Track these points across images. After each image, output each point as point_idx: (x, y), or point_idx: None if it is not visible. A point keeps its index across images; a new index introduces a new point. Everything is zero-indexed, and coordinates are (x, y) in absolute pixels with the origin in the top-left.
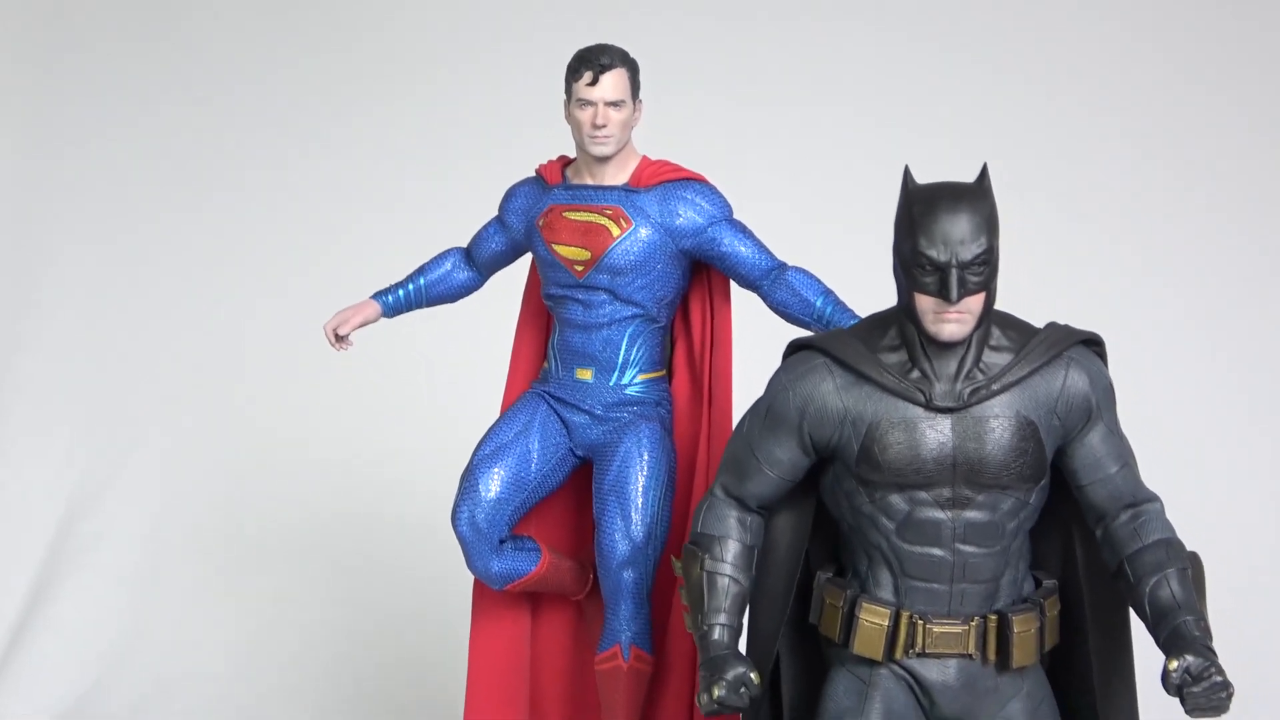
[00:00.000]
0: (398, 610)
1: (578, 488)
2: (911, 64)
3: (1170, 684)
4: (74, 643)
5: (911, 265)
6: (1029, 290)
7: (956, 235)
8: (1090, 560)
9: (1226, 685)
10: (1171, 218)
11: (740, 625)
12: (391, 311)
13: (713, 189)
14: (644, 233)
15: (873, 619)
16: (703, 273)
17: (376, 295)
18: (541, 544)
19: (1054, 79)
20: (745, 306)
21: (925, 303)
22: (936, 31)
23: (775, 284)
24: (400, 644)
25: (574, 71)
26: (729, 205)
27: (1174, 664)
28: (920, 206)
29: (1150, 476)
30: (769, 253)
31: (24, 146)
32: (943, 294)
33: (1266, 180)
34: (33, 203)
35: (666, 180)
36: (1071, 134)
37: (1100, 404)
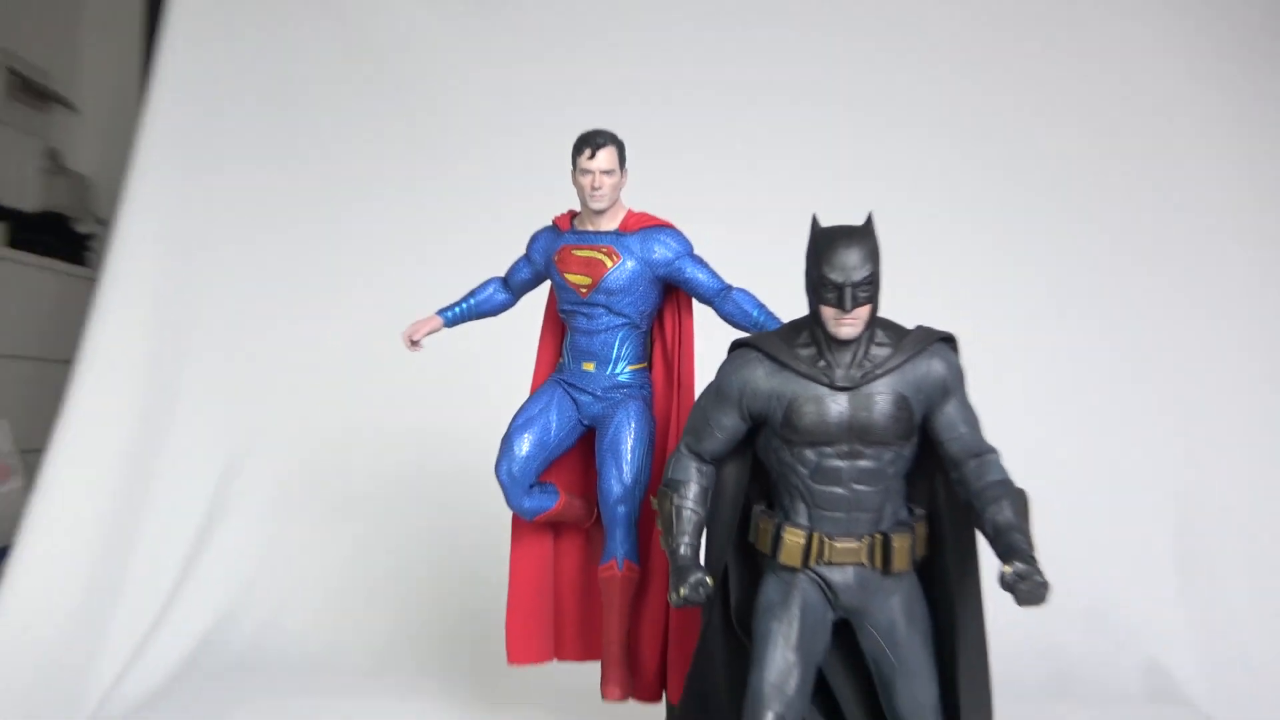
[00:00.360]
0: (458, 539)
1: (584, 449)
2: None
3: (1004, 582)
4: (223, 572)
5: (818, 285)
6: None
7: (850, 264)
8: (948, 496)
9: (1045, 584)
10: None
11: (699, 544)
12: (450, 323)
13: (679, 233)
14: (630, 264)
15: (793, 538)
16: (673, 292)
17: (440, 311)
18: (560, 488)
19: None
20: (703, 317)
21: (828, 312)
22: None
23: (724, 300)
24: (460, 563)
25: (577, 149)
26: (690, 244)
27: (1007, 568)
28: (824, 243)
29: (1005, 440)
30: (719, 278)
31: (188, 203)
32: (840, 306)
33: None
34: (194, 242)
35: (646, 226)
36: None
37: (952, 384)
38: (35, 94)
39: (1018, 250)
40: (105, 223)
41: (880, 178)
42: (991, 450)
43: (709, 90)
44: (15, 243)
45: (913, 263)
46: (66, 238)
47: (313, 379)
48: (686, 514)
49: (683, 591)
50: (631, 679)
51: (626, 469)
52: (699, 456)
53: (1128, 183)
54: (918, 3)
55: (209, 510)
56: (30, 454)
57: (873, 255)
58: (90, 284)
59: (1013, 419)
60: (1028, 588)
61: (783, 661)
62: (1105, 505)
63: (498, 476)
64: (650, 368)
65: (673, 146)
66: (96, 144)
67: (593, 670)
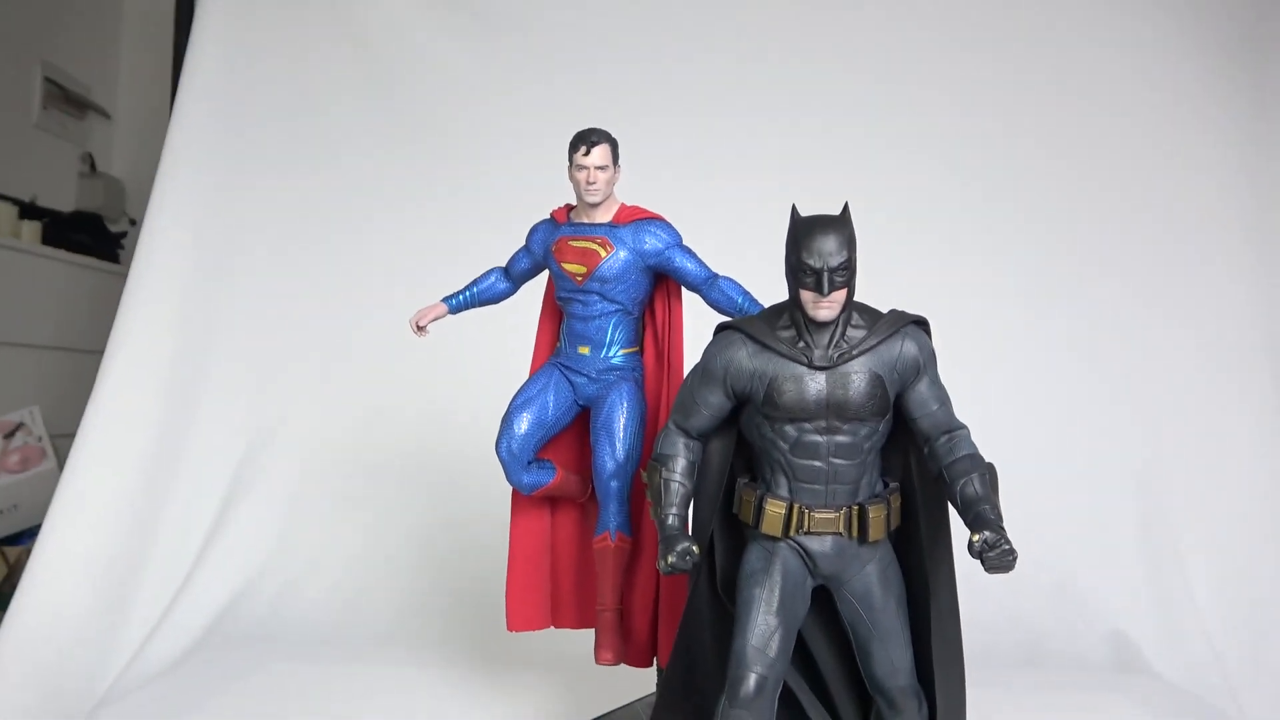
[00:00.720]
0: (465, 519)
1: (580, 428)
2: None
3: (973, 551)
4: (242, 548)
5: (797, 271)
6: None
7: (827, 250)
8: (921, 470)
9: (1013, 552)
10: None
11: (687, 515)
12: (455, 309)
13: (668, 225)
14: (622, 254)
15: (774, 509)
16: (663, 281)
17: (445, 299)
18: (557, 464)
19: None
20: (692, 304)
21: (807, 296)
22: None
23: (711, 288)
24: (467, 540)
25: (573, 146)
26: (679, 235)
27: (976, 537)
28: (803, 230)
29: (976, 421)
30: (707, 267)
31: (212, 203)
32: (818, 289)
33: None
34: (217, 239)
35: (638, 219)
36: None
37: (925, 364)
38: (72, 103)
39: (989, 239)
40: (137, 223)
41: (861, 170)
42: (962, 426)
43: (702, 98)
44: (51, 240)
45: (889, 250)
46: (100, 236)
47: (330, 369)
48: (674, 486)
49: (670, 559)
50: (624, 645)
51: (619, 446)
52: (686, 433)
53: (1095, 174)
54: (897, 3)
55: (230, 490)
56: (62, 439)
57: (849, 242)
58: (122, 279)
59: (984, 402)
60: (995, 556)
61: (764, 625)
62: (1072, 485)
63: (498, 453)
64: (642, 352)
65: (667, 149)
66: (129, 149)
67: (588, 637)
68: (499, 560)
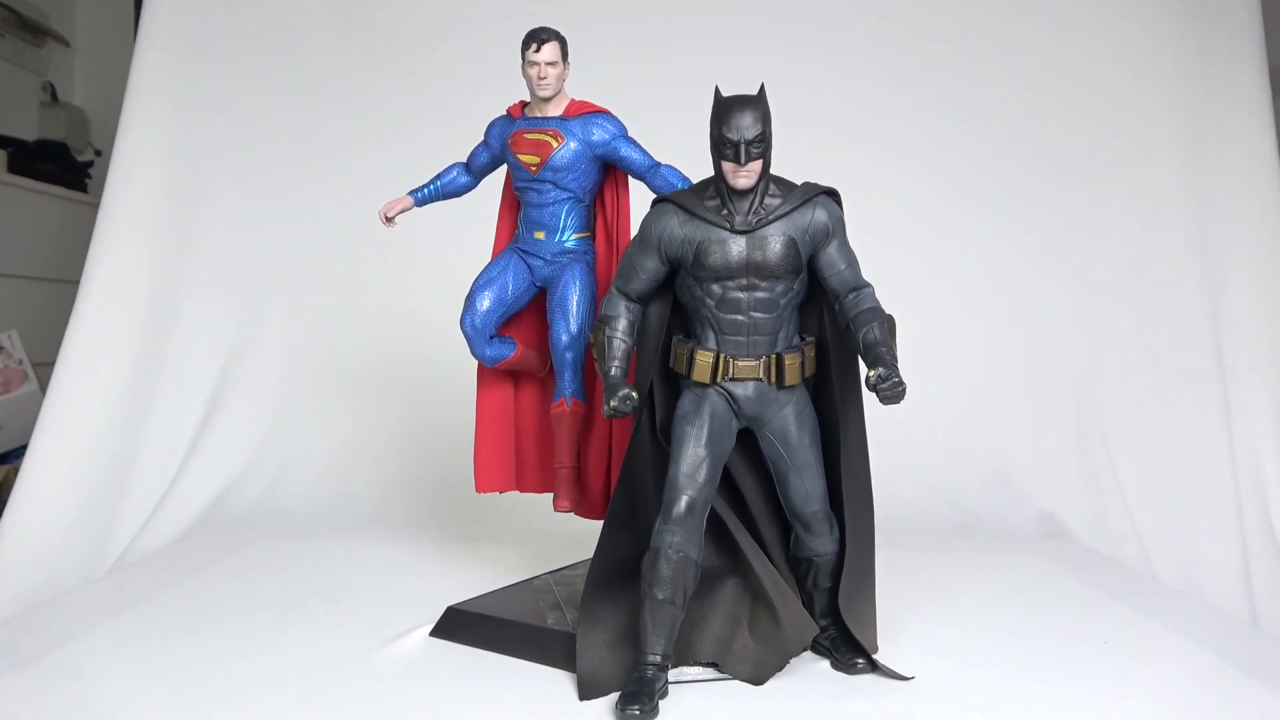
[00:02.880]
0: (437, 409)
1: (538, 311)
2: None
3: (869, 384)
4: (230, 446)
5: (719, 144)
6: None
7: (744, 124)
8: (833, 323)
9: (902, 384)
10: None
11: (627, 368)
12: (420, 202)
13: (614, 117)
14: (572, 145)
15: (703, 359)
16: (612, 172)
17: (411, 192)
18: (517, 339)
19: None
20: (638, 192)
21: (727, 166)
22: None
23: (654, 175)
24: (442, 433)
25: (525, 44)
26: (624, 127)
27: (872, 372)
28: (722, 107)
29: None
30: (650, 156)
31: (182, 125)
32: (736, 160)
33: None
34: (187, 160)
35: (586, 112)
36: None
37: (834, 229)
38: (29, 29)
39: (943, 155)
40: (102, 153)
41: (824, 81)
42: (867, 285)
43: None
44: (17, 170)
45: (848, 158)
46: (67, 166)
47: (307, 277)
48: (616, 343)
49: (612, 403)
50: (580, 496)
51: (573, 320)
52: (627, 296)
53: (1041, 91)
54: None
55: (215, 393)
56: (41, 367)
57: (764, 118)
58: (92, 210)
59: (935, 304)
60: (888, 387)
61: (694, 456)
62: (1013, 383)
63: (462, 328)
64: (593, 237)
65: (644, 69)
66: (91, 78)
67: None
68: (468, 423)
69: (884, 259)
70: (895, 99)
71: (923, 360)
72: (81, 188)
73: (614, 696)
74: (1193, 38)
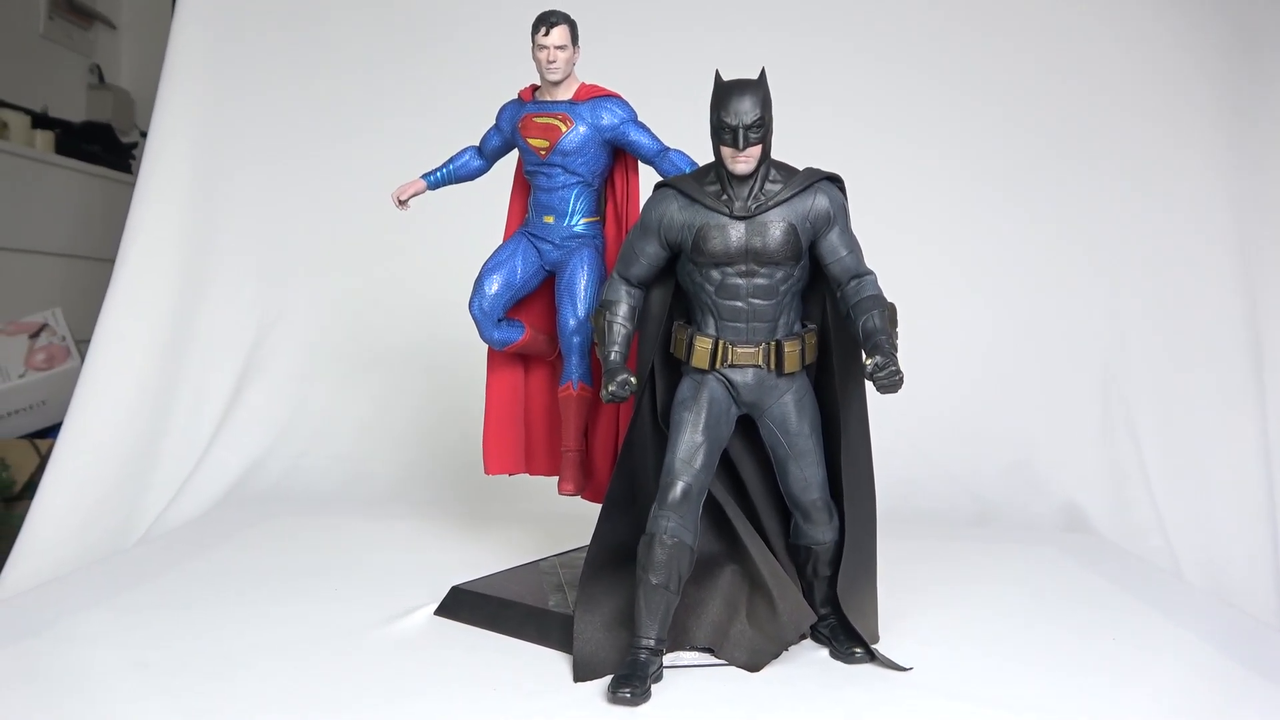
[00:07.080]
0: (458, 396)
1: (547, 295)
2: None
3: (866, 373)
4: (254, 424)
5: (718, 129)
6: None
7: (743, 109)
8: (834, 311)
9: (899, 373)
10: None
11: (627, 352)
12: (433, 185)
13: (624, 101)
14: (582, 129)
15: (703, 345)
16: (622, 157)
17: (424, 175)
18: (525, 323)
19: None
20: (648, 177)
21: (727, 152)
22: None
23: (662, 160)
24: (460, 415)
25: (535, 27)
26: (634, 111)
27: (870, 361)
28: (722, 92)
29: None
30: (659, 140)
31: (216, 104)
32: (735, 145)
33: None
34: (221, 141)
35: (595, 96)
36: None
37: (835, 215)
38: (77, 12)
39: (965, 138)
40: (146, 135)
41: (835, 61)
42: (869, 272)
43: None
44: (65, 150)
45: (867, 136)
46: (112, 147)
47: (335, 255)
48: (616, 327)
49: (611, 388)
50: (585, 479)
51: (580, 305)
52: (628, 281)
53: (1070, 74)
54: None
55: (242, 371)
56: (84, 344)
57: (764, 103)
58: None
59: (956, 289)
60: (885, 376)
61: (691, 442)
62: (1038, 371)
63: (471, 311)
64: (603, 221)
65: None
66: (136, 60)
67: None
68: (478, 406)
69: (907, 246)
70: (924, 84)
71: (946, 347)
72: (126, 169)
73: (609, 679)
74: (1232, 21)
